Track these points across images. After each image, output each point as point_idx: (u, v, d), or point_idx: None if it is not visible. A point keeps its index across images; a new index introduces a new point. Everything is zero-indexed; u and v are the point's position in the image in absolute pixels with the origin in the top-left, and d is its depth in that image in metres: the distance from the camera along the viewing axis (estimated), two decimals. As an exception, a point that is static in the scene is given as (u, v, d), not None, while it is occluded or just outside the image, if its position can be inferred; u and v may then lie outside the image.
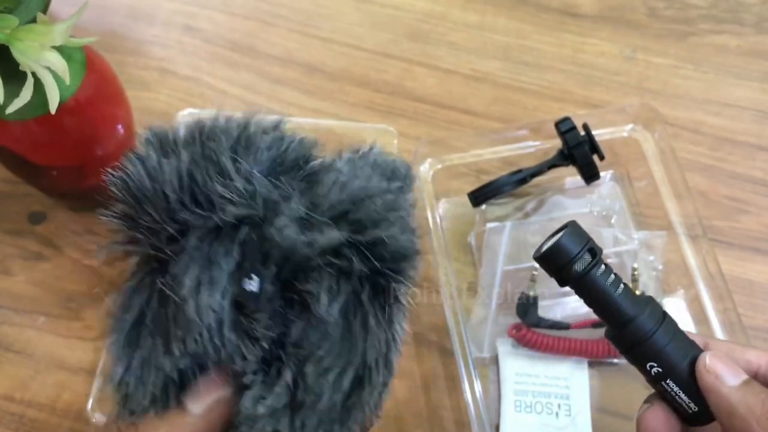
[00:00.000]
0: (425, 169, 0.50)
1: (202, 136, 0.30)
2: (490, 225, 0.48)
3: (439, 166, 0.50)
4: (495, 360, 0.45)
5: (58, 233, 0.50)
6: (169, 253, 0.29)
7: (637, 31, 0.61)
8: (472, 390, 0.42)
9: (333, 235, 0.28)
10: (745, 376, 0.30)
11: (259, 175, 0.29)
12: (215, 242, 0.29)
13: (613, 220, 0.50)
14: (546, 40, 0.60)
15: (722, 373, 0.30)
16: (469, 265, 0.49)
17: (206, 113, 0.51)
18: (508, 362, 0.44)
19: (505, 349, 0.45)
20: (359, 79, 0.58)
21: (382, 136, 0.50)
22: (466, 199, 0.49)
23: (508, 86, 0.58)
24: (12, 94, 0.37)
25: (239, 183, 0.28)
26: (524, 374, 0.44)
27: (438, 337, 0.46)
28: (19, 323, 0.47)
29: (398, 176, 0.32)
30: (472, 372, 0.42)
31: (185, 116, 0.51)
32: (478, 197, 0.48)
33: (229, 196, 0.28)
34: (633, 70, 0.58)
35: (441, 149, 0.50)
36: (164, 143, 0.30)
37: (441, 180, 0.50)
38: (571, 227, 0.31)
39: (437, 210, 0.48)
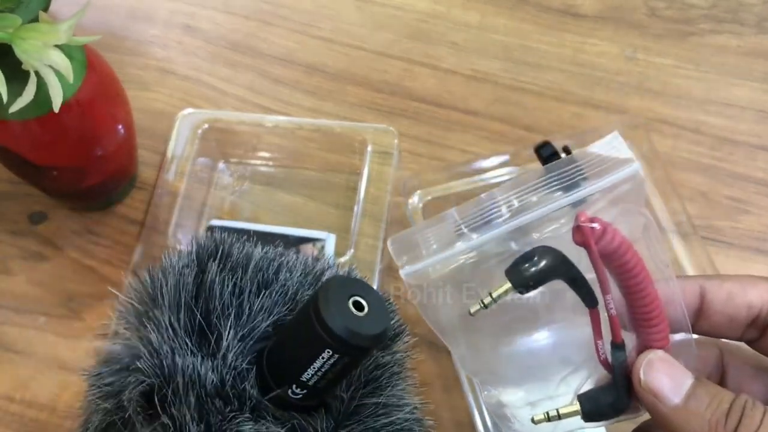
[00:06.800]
0: (414, 203, 0.49)
1: None
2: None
3: (429, 198, 0.49)
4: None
5: (58, 233, 0.50)
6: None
7: (637, 31, 0.61)
8: (473, 389, 0.42)
9: None
10: (688, 385, 0.25)
11: None
12: None
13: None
14: (546, 40, 0.60)
15: (660, 390, 0.25)
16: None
17: (206, 113, 0.51)
18: None
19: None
20: (360, 79, 0.58)
21: (382, 136, 0.50)
22: None
23: (509, 86, 0.58)
24: (15, 93, 0.37)
25: None
26: None
27: (437, 337, 0.46)
28: (20, 323, 0.47)
29: None
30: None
31: (185, 116, 0.51)
32: None
33: None
34: (633, 70, 0.58)
35: (430, 181, 0.49)
36: None
37: (431, 211, 0.49)
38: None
39: None
